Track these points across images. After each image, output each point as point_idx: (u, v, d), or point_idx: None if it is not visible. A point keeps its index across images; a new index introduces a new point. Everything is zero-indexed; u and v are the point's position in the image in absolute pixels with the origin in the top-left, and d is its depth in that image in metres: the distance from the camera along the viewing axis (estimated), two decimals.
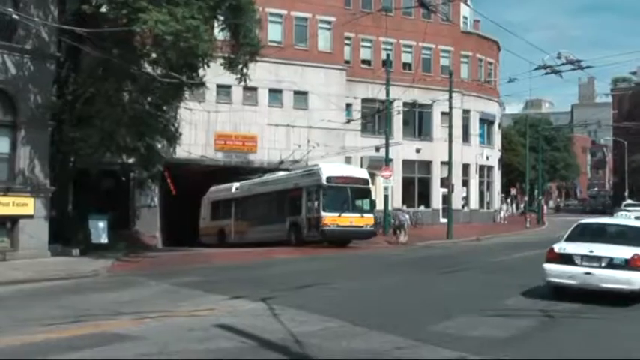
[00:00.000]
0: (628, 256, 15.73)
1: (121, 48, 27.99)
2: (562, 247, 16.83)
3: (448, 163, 46.86)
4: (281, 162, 47.62)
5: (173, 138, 34.50)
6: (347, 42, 56.86)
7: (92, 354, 10.17)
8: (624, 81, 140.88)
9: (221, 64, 30.67)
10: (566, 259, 16.30)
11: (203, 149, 48.52)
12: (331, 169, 37.65)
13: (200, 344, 10.87)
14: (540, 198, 78.11)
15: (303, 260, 29.03)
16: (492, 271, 23.75)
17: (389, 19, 55.79)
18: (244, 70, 30.71)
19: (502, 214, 66.60)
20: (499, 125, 73.15)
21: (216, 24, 30.12)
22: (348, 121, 52.23)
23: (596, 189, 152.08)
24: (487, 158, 66.73)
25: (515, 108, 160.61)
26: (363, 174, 38.99)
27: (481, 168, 66.18)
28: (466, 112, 62.49)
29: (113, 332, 11.77)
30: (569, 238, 17.63)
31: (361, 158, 53.11)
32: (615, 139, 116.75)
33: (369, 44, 59.15)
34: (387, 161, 44.40)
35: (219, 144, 49.79)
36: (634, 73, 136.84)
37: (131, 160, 35.37)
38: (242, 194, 43.31)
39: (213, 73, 31.03)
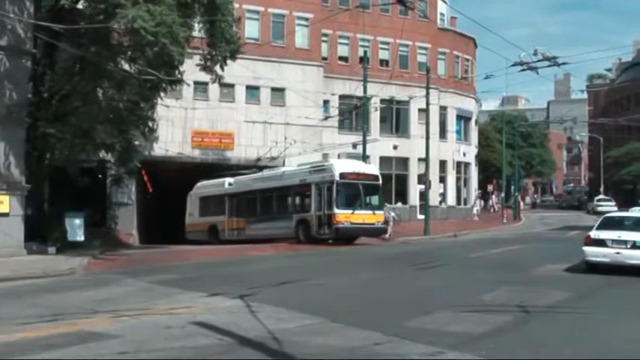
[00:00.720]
0: None
1: (98, 45, 27.89)
2: (596, 234, 21.99)
3: (425, 160, 47.00)
4: (258, 159, 47.62)
5: (150, 135, 34.44)
6: (324, 39, 56.86)
7: (68, 353, 10.09)
8: (600, 78, 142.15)
9: (197, 65, 30.62)
10: (600, 243, 21.61)
11: (180, 146, 48.41)
12: (344, 165, 37.15)
13: (177, 342, 10.84)
14: (517, 194, 78.52)
15: (281, 257, 29.05)
16: (470, 267, 23.84)
17: (366, 16, 55.98)
18: (219, 72, 30.70)
19: (475, 211, 66.81)
20: (476, 122, 73.39)
21: (195, 22, 30.06)
22: (326, 118, 52.25)
23: (572, 185, 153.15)
24: (464, 154, 66.97)
25: (491, 104, 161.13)
26: (374, 170, 38.83)
27: (458, 164, 66.40)
28: (443, 108, 62.67)
29: (90, 331, 11.71)
30: (599, 228, 22.64)
31: (338, 155, 53.12)
32: (591, 136, 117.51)
33: (346, 41, 59.17)
34: (365, 158, 44.44)
35: (196, 141, 49.70)
36: (609, 69, 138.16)
37: (108, 158, 35.30)
38: (237, 189, 42.40)
39: (191, 70, 30.95)
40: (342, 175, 34.93)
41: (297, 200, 38.25)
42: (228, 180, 43.43)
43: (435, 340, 10.92)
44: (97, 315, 13.46)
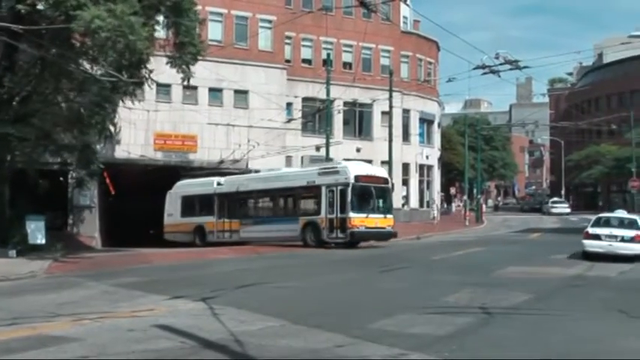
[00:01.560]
0: (632, 235, 27.77)
1: (59, 46, 27.61)
2: (593, 230, 28.50)
3: (388, 162, 47.17)
4: (221, 161, 47.47)
5: (112, 137, 34.19)
6: (287, 41, 56.91)
7: (29, 357, 10.01)
8: (561, 81, 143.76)
9: (167, 63, 30.48)
10: (596, 237, 28.07)
11: (142, 149, 48.14)
12: (357, 168, 36.15)
13: (139, 345, 10.78)
14: (479, 197, 79.11)
15: (244, 260, 28.97)
16: (432, 269, 23.97)
17: (329, 19, 56.12)
18: (188, 71, 30.60)
19: (433, 213, 66.98)
20: (438, 125, 73.86)
21: (159, 24, 29.93)
22: (289, 121, 52.26)
23: (533, 187, 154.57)
24: (427, 157, 67.35)
25: (454, 108, 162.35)
26: (384, 173, 38.10)
27: (421, 167, 66.75)
28: (406, 111, 63.01)
29: (51, 334, 11.60)
30: (594, 225, 29.10)
31: (302, 157, 53.14)
32: (552, 139, 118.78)
33: (309, 43, 59.26)
34: (328, 161, 44.48)
35: (158, 143, 49.45)
36: (570, 73, 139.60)
37: (69, 160, 34.99)
38: (229, 189, 40.61)
39: (153, 72, 30.81)
40: (357, 178, 34.11)
41: (304, 202, 37.24)
42: (216, 179, 42.19)
43: (398, 342, 10.97)
44: (57, 318, 13.34)
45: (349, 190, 33.69)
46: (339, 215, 34.04)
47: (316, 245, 34.31)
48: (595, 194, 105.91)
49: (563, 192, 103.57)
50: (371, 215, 34.33)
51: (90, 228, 44.84)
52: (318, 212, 35.18)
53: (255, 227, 38.43)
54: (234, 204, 40.63)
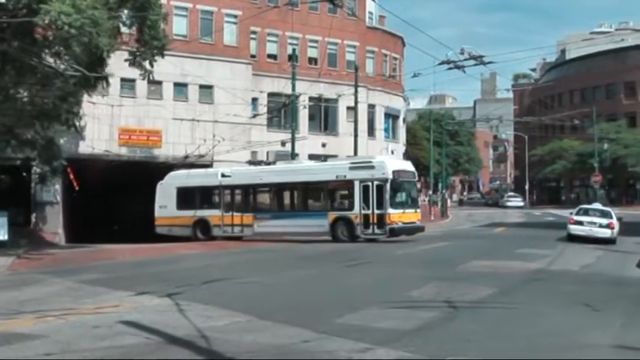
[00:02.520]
0: (607, 222, 34.92)
1: (21, 40, 27.29)
2: (577, 217, 35.83)
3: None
4: (186, 156, 47.14)
5: (76, 133, 33.86)
6: (253, 36, 56.76)
7: None
8: (525, 77, 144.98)
9: (126, 60, 30.26)
10: (579, 223, 35.43)
11: (107, 144, 47.74)
12: (394, 163, 36.08)
13: (104, 342, 10.71)
14: (444, 191, 79.55)
15: (210, 255, 28.91)
16: (398, 264, 24.02)
17: (295, 14, 56.03)
18: (148, 67, 30.40)
19: None
20: (404, 120, 74.05)
21: (123, 18, 29.71)
22: (254, 116, 52.16)
23: (498, 182, 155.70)
24: (392, 152, 67.39)
25: (419, 103, 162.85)
26: (413, 167, 37.73)
27: None
28: (371, 106, 63.11)
29: (13, 332, 11.49)
30: (577, 214, 36.35)
31: (267, 153, 53.04)
32: (516, 134, 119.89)
33: (275, 39, 59.13)
34: (293, 156, 44.48)
35: (123, 138, 49.09)
36: (534, 69, 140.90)
37: (32, 155, 34.65)
38: (239, 182, 39.12)
39: (118, 67, 30.60)
40: (395, 174, 33.85)
41: (333, 197, 36.82)
42: (220, 170, 41.08)
43: (364, 337, 10.98)
44: (21, 315, 13.22)
45: (388, 185, 33.40)
46: (375, 211, 33.70)
47: (349, 241, 34.02)
48: (558, 189, 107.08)
49: (527, 187, 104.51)
50: (406, 210, 34.52)
51: (53, 224, 44.43)
52: (350, 207, 34.73)
53: (274, 222, 37.25)
54: (246, 197, 39.47)
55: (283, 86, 49.95)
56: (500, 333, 11.88)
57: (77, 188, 50.20)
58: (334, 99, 55.42)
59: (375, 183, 33.69)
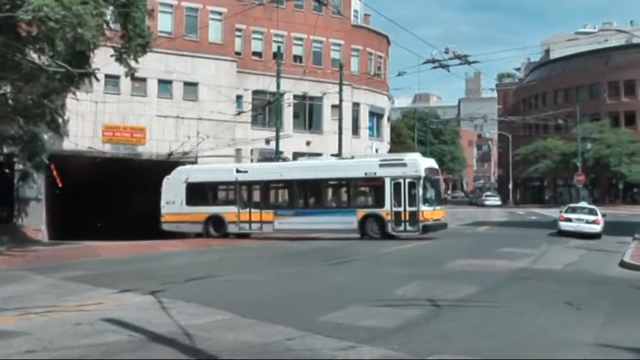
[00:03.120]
0: (593, 219, 37.98)
1: (4, 35, 27.13)
2: (566, 215, 39.07)
3: (338, 156, 47.24)
4: (170, 154, 46.98)
5: (59, 129, 33.70)
6: (238, 33, 56.69)
7: None
8: (509, 77, 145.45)
9: (111, 56, 30.15)
10: (569, 220, 38.47)
11: (90, 140, 47.54)
12: (425, 161, 36.29)
13: (87, 339, 10.69)
14: None
15: (193, 253, 28.87)
16: (382, 262, 24.06)
17: (280, 12, 55.93)
18: (132, 64, 30.30)
19: None
20: (388, 118, 74.16)
21: (107, 15, 29.59)
22: (239, 113, 52.05)
23: (481, 181, 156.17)
24: (376, 151, 67.43)
25: (404, 102, 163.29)
26: (436, 164, 38.27)
27: None
28: (356, 105, 63.14)
29: None
30: (566, 212, 39.73)
31: (251, 150, 52.99)
32: (500, 133, 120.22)
33: (259, 36, 59.07)
34: (278, 154, 44.43)
35: (107, 135, 48.91)
36: (518, 69, 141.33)
37: (15, 152, 34.47)
38: (258, 178, 38.40)
39: (102, 63, 30.48)
40: (427, 171, 34.29)
41: (362, 194, 37.02)
42: (235, 166, 40.81)
43: (348, 335, 11.01)
44: (3, 313, 13.17)
45: (421, 183, 33.83)
46: (408, 208, 34.06)
47: (380, 238, 34.05)
48: (542, 188, 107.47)
49: (510, 186, 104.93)
50: (436, 207, 35.13)
51: (36, 221, 44.23)
52: (380, 204, 34.77)
53: (297, 219, 36.89)
54: (266, 193, 38.80)
55: (268, 84, 49.90)
56: (484, 331, 11.92)
57: (60, 185, 49.99)
58: (319, 97, 55.40)
59: (407, 180, 34.03)
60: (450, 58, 31.40)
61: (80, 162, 47.51)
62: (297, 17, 59.31)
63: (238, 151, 51.93)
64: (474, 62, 31.50)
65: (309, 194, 38.35)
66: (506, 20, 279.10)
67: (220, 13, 53.40)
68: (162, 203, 40.62)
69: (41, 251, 30.24)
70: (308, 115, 61.46)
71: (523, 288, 18.11)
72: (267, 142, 50.44)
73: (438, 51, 31.07)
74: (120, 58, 30.32)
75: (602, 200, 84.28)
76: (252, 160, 51.29)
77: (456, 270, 21.45)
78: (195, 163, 46.47)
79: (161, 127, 50.21)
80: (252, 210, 37.80)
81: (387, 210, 34.45)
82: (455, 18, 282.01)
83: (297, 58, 59.96)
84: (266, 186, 38.51)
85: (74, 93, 33.51)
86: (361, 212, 35.21)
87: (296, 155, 55.36)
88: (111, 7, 29.40)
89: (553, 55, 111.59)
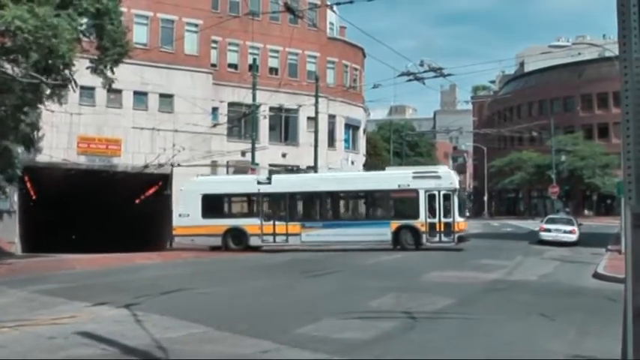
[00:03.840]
0: (570, 229, 41.26)
1: None
2: (546, 225, 42.34)
3: (314, 168, 47.30)
4: (146, 166, 46.82)
5: (33, 141, 33.45)
6: (214, 45, 56.63)
7: None
8: (484, 89, 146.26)
9: (87, 68, 30.00)
10: (548, 230, 41.68)
11: (65, 152, 47.24)
12: (455, 173, 38.16)
13: (60, 352, 10.61)
14: None
15: (168, 265, 28.78)
16: (358, 274, 24.05)
17: (256, 24, 55.97)
18: (109, 74, 30.17)
19: None
20: (364, 130, 74.29)
21: (83, 26, 29.43)
22: (214, 125, 51.96)
23: None
24: (352, 163, 67.57)
25: (379, 114, 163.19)
26: None
27: None
28: (332, 117, 63.19)
29: None
30: (546, 223, 43.08)
31: (227, 162, 52.89)
32: (475, 145, 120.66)
33: (235, 48, 59.04)
34: (254, 165, 44.37)
35: (82, 147, 48.62)
36: (493, 82, 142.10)
37: None
38: (283, 190, 37.83)
39: (77, 75, 30.32)
40: (460, 184, 36.03)
41: (396, 205, 37.19)
42: (256, 177, 40.07)
43: (323, 347, 11.01)
44: None
45: (455, 195, 35.20)
46: (442, 220, 35.10)
47: (414, 249, 34.85)
48: (517, 200, 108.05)
49: (485, 197, 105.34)
50: (465, 219, 37.45)
51: (9, 233, 43.83)
52: (415, 216, 35.57)
53: (326, 231, 36.83)
54: (292, 205, 38.48)
55: (244, 96, 49.87)
56: (459, 343, 11.95)
57: (34, 197, 49.67)
58: (295, 109, 55.47)
59: (442, 193, 35.16)
60: (426, 71, 31.57)
61: (54, 174, 47.22)
62: (272, 29, 59.34)
63: (214, 162, 51.82)
64: (449, 75, 31.79)
65: (338, 206, 39.10)
66: (481, 33, 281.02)
67: (196, 25, 53.31)
68: (175, 216, 40.12)
69: (15, 264, 30.00)
70: (284, 127, 61.43)
71: (498, 299, 18.19)
72: (243, 154, 50.37)
73: (413, 64, 31.23)
74: (96, 70, 30.17)
75: (577, 212, 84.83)
76: (227, 172, 51.25)
77: (433, 282, 21.51)
78: (170, 175, 46.32)
79: (137, 139, 49.99)
80: (277, 222, 37.39)
81: (421, 221, 35.37)
82: (430, 31, 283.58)
83: (273, 70, 59.98)
84: (292, 197, 38.32)
85: (45, 105, 33.24)
86: (395, 224, 35.82)
87: (271, 167, 55.47)
88: (85, 19, 29.24)
89: (527, 68, 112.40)
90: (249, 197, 38.94)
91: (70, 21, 25.62)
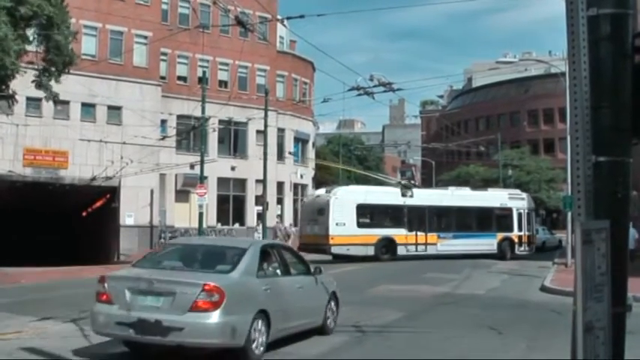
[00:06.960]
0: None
1: None
2: None
3: (263, 181, 47.18)
4: (93, 178, 46.25)
5: None
6: (163, 57, 56.29)
7: None
8: (432, 104, 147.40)
9: (33, 82, 29.61)
10: None
11: (11, 164, 46.42)
12: (529, 196, 48.29)
13: None
14: None
15: None
16: None
17: (206, 36, 55.75)
18: (53, 88, 29.80)
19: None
20: (313, 144, 74.42)
21: (30, 37, 29.09)
22: (163, 138, 51.53)
23: None
24: (301, 176, 67.66)
25: (329, 127, 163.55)
26: None
27: (295, 186, 66.94)
28: (281, 130, 63.19)
29: None
30: None
31: (176, 175, 52.58)
32: (424, 159, 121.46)
33: (185, 60, 58.80)
34: (202, 179, 44.16)
35: (28, 159, 47.86)
36: (441, 96, 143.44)
37: None
38: (424, 203, 41.69)
39: (23, 86, 29.94)
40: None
41: (498, 221, 43.97)
42: (398, 190, 43.19)
43: None
44: None
45: (533, 213, 46.05)
46: (526, 233, 44.34)
47: (510, 258, 41.85)
48: None
49: None
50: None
51: None
52: (510, 229, 43.81)
53: (454, 241, 41.65)
54: (431, 217, 42.01)
55: (193, 109, 49.59)
56: (410, 356, 11.99)
57: None
58: (244, 122, 55.33)
59: (526, 211, 44.84)
60: (375, 86, 31.57)
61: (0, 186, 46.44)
62: (222, 42, 59.21)
63: (162, 175, 51.45)
64: (398, 89, 31.76)
65: (462, 220, 43.46)
66: (430, 49, 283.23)
67: (145, 37, 52.93)
68: (331, 225, 38.90)
69: None
70: (233, 140, 61.26)
71: (447, 313, 18.31)
72: (192, 166, 50.05)
73: (362, 78, 31.19)
74: (40, 84, 29.75)
75: None
76: (176, 185, 51.00)
77: (381, 295, 21.60)
78: (118, 187, 45.83)
79: (84, 151, 49.31)
80: (419, 233, 40.91)
81: (515, 234, 43.69)
82: (380, 46, 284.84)
83: (223, 83, 59.84)
84: (431, 211, 41.90)
85: None
86: (500, 236, 43.24)
87: (220, 180, 55.27)
88: (32, 29, 28.90)
89: (475, 84, 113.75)
90: (396, 209, 41.28)
91: (15, 32, 25.34)
